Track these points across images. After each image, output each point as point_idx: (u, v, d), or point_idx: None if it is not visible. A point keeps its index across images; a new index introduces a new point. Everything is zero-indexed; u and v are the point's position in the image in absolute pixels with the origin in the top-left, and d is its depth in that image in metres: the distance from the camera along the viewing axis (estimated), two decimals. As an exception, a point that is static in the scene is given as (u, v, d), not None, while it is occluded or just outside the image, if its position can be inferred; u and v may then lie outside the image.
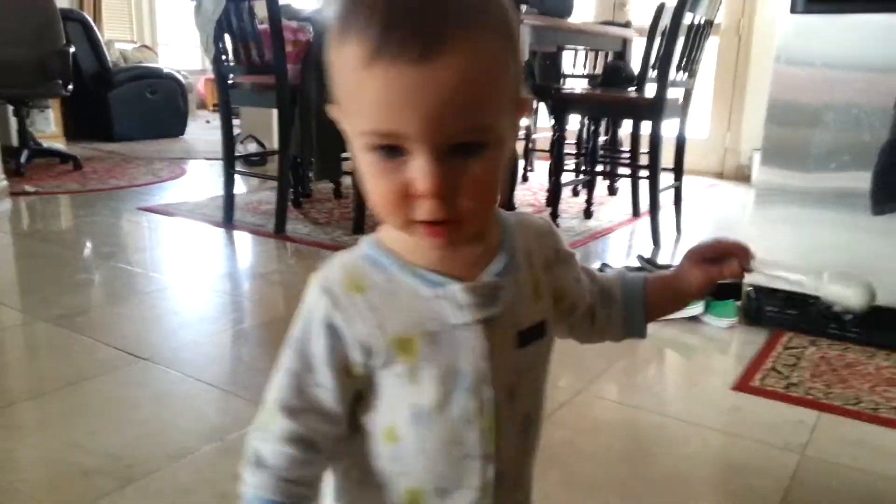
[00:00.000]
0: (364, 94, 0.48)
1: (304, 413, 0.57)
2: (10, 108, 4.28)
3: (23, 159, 3.98)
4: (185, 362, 1.74)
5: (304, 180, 3.52)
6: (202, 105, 7.99)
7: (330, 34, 0.51)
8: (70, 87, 4.32)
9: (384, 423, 0.58)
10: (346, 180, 3.38)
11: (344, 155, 2.97)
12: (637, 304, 0.71)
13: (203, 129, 6.69)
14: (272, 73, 2.80)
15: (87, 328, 1.93)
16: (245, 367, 1.78)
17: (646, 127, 3.00)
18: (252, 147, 4.51)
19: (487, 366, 0.56)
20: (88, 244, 2.89)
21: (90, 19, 5.67)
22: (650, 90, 2.94)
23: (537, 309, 0.61)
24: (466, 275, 0.57)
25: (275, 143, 4.73)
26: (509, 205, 3.03)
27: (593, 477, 1.30)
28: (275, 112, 2.94)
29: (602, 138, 3.68)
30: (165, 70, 6.11)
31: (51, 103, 5.00)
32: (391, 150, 0.49)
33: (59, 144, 4.95)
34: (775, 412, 1.55)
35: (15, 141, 4.21)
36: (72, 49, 4.37)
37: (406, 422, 0.57)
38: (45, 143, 4.62)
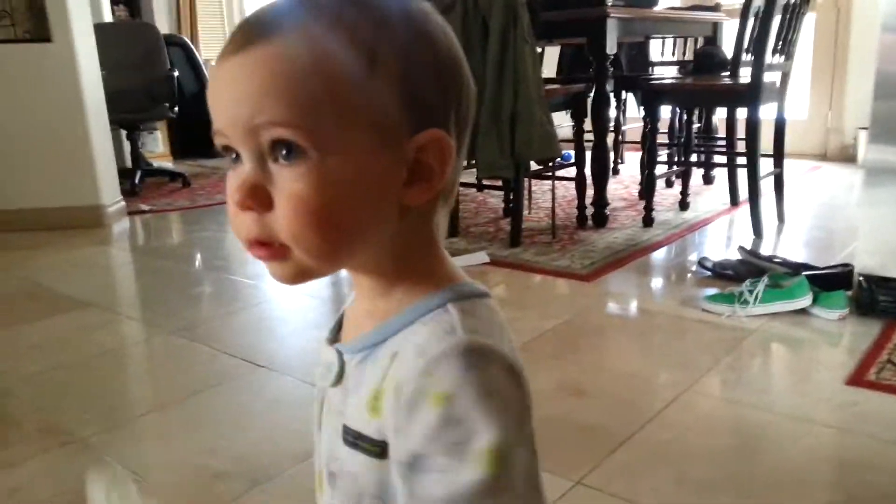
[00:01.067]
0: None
1: None
2: (123, 133, 4.57)
3: (137, 180, 4.26)
4: (298, 368, 1.84)
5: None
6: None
7: None
8: (176, 108, 4.59)
9: None
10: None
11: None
12: None
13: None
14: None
15: (206, 338, 2.06)
16: (353, 371, 1.86)
17: (742, 112, 2.92)
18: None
19: (317, 436, 0.54)
20: (200, 258, 3.07)
21: (189, 42, 5.99)
22: (745, 75, 2.86)
23: (369, 424, 0.47)
24: (349, 334, 0.53)
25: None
26: (601, 200, 3.02)
27: (704, 475, 1.30)
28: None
29: (695, 126, 3.60)
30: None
31: (157, 125, 5.32)
32: (231, 153, 0.46)
33: (168, 163, 5.26)
34: (893, 407, 1.50)
35: (128, 163, 4.50)
36: (175, 73, 4.63)
37: None
38: (155, 163, 4.92)
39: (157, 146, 5.34)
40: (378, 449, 0.46)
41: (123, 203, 3.74)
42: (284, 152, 0.43)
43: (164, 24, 5.70)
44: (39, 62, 3.36)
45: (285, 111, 0.42)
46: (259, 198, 0.44)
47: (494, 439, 0.41)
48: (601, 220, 3.03)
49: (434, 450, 0.41)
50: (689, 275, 2.47)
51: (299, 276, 0.47)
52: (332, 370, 0.51)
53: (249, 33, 0.43)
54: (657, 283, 2.50)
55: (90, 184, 3.49)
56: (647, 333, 1.99)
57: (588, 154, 3.03)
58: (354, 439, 0.48)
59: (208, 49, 7.05)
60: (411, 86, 0.45)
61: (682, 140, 3.48)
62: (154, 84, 4.45)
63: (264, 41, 0.42)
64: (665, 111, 3.61)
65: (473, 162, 3.01)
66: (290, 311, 2.34)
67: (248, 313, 2.32)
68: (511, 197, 3.02)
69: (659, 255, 2.69)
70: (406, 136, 0.45)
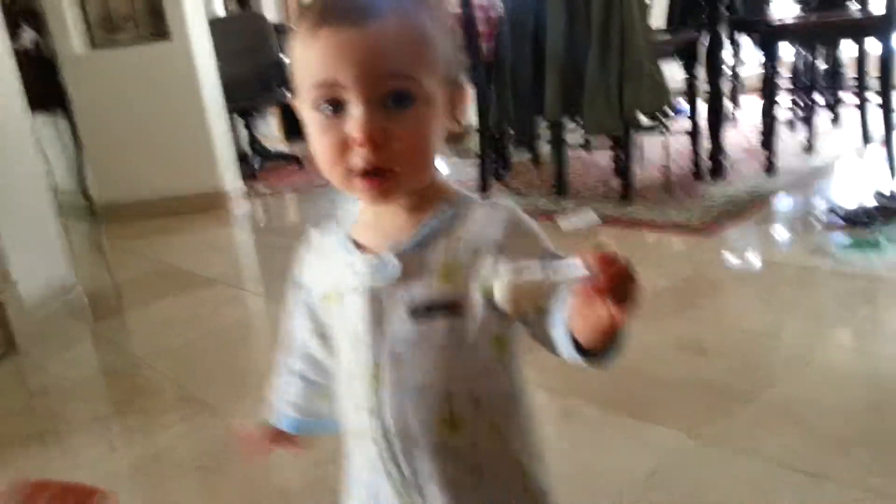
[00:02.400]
0: (311, 58, 0.57)
1: None
2: (240, 120, 4.79)
3: (256, 164, 4.45)
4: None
5: (503, 154, 3.58)
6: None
7: (291, 39, 0.60)
8: (287, 93, 4.75)
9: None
10: (545, 148, 3.38)
11: (541, 123, 2.98)
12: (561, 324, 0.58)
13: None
14: (466, 53, 2.88)
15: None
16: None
17: (872, 48, 2.68)
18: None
19: (365, 329, 0.62)
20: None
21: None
22: (875, 6, 2.62)
23: (444, 290, 0.60)
24: (380, 245, 0.63)
25: (469, 121, 4.87)
26: (718, 151, 2.87)
27: (837, 432, 1.22)
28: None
29: (820, 66, 3.34)
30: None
31: (269, 109, 5.52)
32: (332, 104, 0.57)
33: (281, 146, 5.46)
34: None
35: (246, 148, 4.71)
36: (285, 59, 4.79)
37: (340, 367, 0.67)
38: (270, 147, 5.12)
39: (270, 130, 5.55)
40: (452, 306, 0.60)
41: (244, 186, 3.93)
42: (400, 101, 0.57)
43: (272, 14, 5.89)
44: (160, 59, 3.56)
45: (408, 67, 0.57)
46: (381, 135, 0.56)
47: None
48: (719, 171, 2.88)
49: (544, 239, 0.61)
50: (817, 223, 2.31)
51: (395, 192, 0.60)
52: (391, 269, 0.61)
53: (364, 12, 0.56)
54: (783, 233, 2.35)
55: (212, 170, 3.68)
56: (773, 287, 1.88)
57: (703, 104, 2.88)
58: (427, 309, 0.60)
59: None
60: (452, 51, 0.62)
61: (806, 81, 3.24)
62: (265, 70, 4.62)
63: (380, 19, 0.56)
64: (788, 52, 3.37)
65: (580, 121, 2.94)
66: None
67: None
68: (621, 154, 2.92)
69: (783, 205, 2.53)
70: (454, 84, 0.62)
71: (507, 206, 0.63)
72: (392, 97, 0.56)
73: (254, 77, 4.59)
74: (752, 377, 1.41)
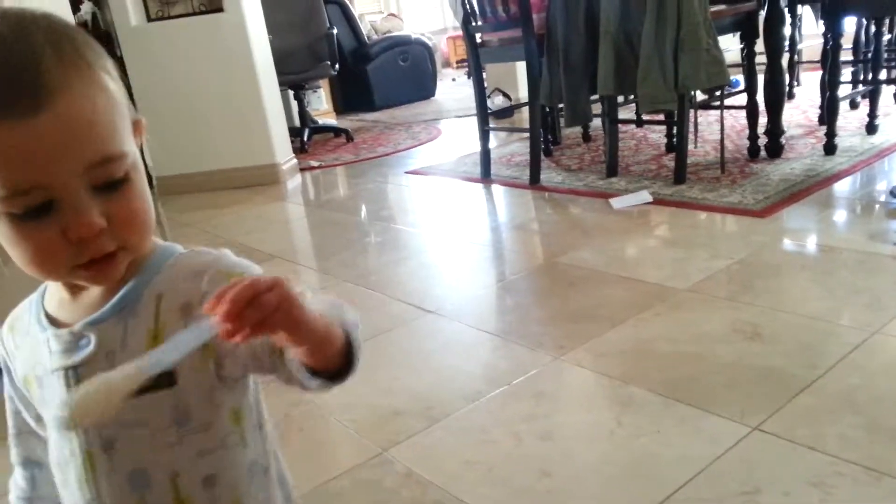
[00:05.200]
0: None
1: None
2: (290, 93, 4.83)
3: (305, 137, 4.51)
4: (466, 314, 1.90)
5: (553, 129, 3.56)
6: (446, 63, 8.33)
7: None
8: (337, 66, 4.77)
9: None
10: (595, 123, 3.35)
11: (593, 98, 2.95)
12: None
13: (450, 88, 6.99)
14: (519, 26, 2.86)
15: (378, 285, 2.17)
16: (518, 315, 1.90)
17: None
18: (499, 100, 4.64)
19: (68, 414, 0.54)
20: (367, 209, 3.21)
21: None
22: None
23: None
24: (79, 318, 0.57)
25: (519, 94, 4.83)
26: (776, 128, 2.81)
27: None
28: (517, 64, 3.00)
29: (885, 38, 3.22)
30: (414, 36, 6.46)
31: (321, 83, 5.56)
32: (36, 208, 0.49)
33: (331, 120, 5.51)
34: None
35: (297, 121, 4.76)
36: (335, 31, 4.80)
37: (50, 457, 0.61)
38: (320, 120, 5.17)
39: (320, 104, 5.60)
40: (168, 377, 0.54)
41: (295, 160, 3.98)
42: (112, 183, 0.51)
43: (319, -17, 5.89)
44: (214, 32, 3.61)
45: (110, 144, 0.51)
46: (105, 219, 0.51)
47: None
48: (776, 150, 2.83)
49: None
50: (878, 206, 2.26)
51: (122, 267, 0.55)
52: (84, 344, 0.56)
53: (32, 97, 0.47)
54: (841, 216, 2.31)
55: (265, 144, 3.74)
56: (831, 272, 1.86)
57: (760, 78, 2.82)
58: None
59: (362, 4, 7.21)
60: (121, 88, 0.55)
61: (870, 55, 3.14)
62: (316, 43, 4.65)
63: (52, 100, 0.48)
64: (849, 24, 3.26)
65: (632, 97, 2.89)
66: (455, 259, 2.41)
67: (415, 261, 2.42)
68: (674, 131, 2.88)
69: (843, 186, 2.47)
70: (133, 123, 0.56)
71: (213, 253, 0.59)
72: (103, 184, 0.51)
73: (304, 50, 4.63)
74: (811, 365, 1.41)
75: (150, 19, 3.69)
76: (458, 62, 8.27)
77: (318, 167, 4.06)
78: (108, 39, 3.84)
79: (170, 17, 3.66)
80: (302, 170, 3.98)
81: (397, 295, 2.07)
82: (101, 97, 0.51)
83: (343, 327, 0.55)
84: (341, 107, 6.01)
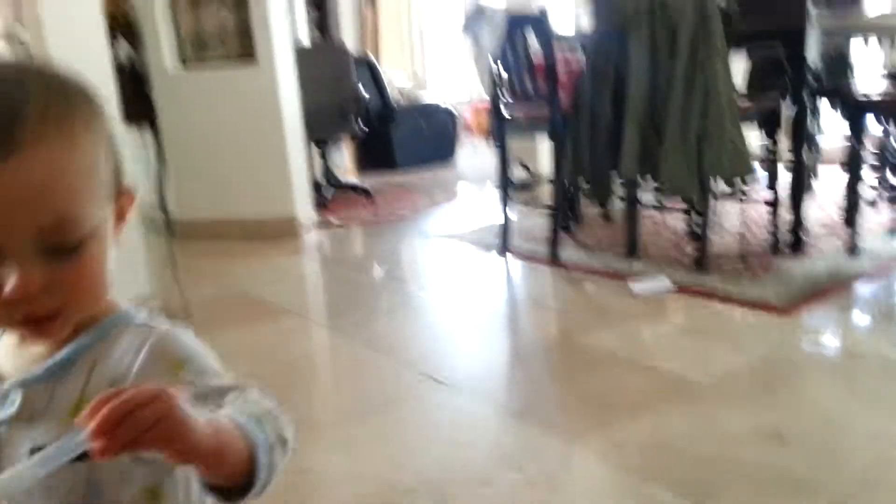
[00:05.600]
0: None
1: None
2: (314, 149, 4.89)
3: (327, 194, 4.54)
4: (478, 387, 1.86)
5: (574, 206, 3.57)
6: (468, 131, 8.46)
7: None
8: (363, 125, 4.84)
9: None
10: (617, 204, 3.36)
11: (617, 180, 2.97)
12: None
13: (470, 155, 7.07)
14: (546, 102, 2.90)
15: (389, 350, 2.14)
16: (532, 393, 1.86)
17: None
18: (519, 172, 4.68)
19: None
20: (383, 270, 3.20)
21: (375, 61, 6.31)
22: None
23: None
24: (20, 369, 0.55)
25: (538, 167, 4.88)
26: (799, 224, 2.81)
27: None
28: (539, 138, 3.03)
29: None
30: (441, 105, 6.60)
31: (343, 139, 5.64)
32: None
33: (352, 177, 5.56)
34: None
35: (318, 177, 4.80)
36: (367, 96, 4.89)
37: None
38: (341, 177, 5.22)
39: (342, 160, 5.66)
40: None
41: (315, 216, 4.00)
42: (63, 249, 0.50)
43: (349, 41, 6.05)
44: (246, 83, 3.67)
45: (69, 208, 0.49)
46: (48, 285, 0.49)
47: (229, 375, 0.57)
48: (798, 246, 2.82)
49: (210, 389, 0.53)
50: (903, 312, 2.24)
51: (65, 328, 0.54)
52: (8, 403, 0.54)
53: (0, 146, 0.46)
54: (864, 320, 2.28)
55: (287, 197, 3.76)
56: (855, 377, 1.82)
57: (783, 172, 2.83)
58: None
59: (391, 64, 7.39)
60: (114, 155, 0.54)
61: (893, 160, 3.16)
62: (344, 101, 4.73)
63: (19, 154, 0.47)
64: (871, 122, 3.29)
65: (655, 181, 2.91)
66: (471, 328, 2.38)
67: (429, 328, 2.39)
68: (696, 219, 2.88)
69: (866, 289, 2.45)
70: (113, 196, 0.55)
71: (162, 330, 0.56)
72: (53, 248, 0.49)
73: (333, 108, 4.70)
74: (834, 475, 1.36)
75: (185, 64, 3.77)
76: (479, 131, 8.41)
77: (339, 225, 4.07)
78: (142, 83, 3.92)
79: (204, 64, 3.73)
80: (321, 226, 4.00)
81: (409, 362, 2.04)
82: (73, 159, 0.50)
83: (249, 446, 0.50)
84: (363, 166, 6.08)
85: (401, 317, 2.55)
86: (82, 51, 2.35)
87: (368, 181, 5.29)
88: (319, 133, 4.57)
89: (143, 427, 0.43)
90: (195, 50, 3.78)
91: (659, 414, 1.65)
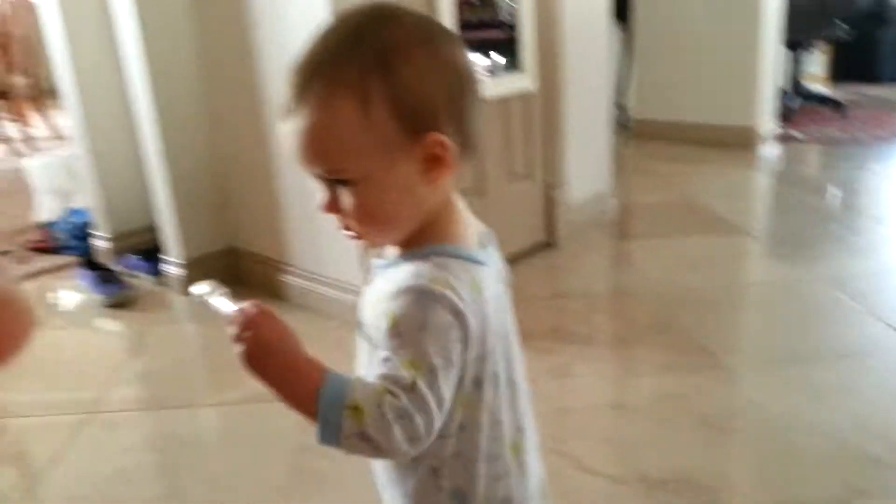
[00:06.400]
0: None
1: None
2: (786, 52, 4.42)
3: (793, 105, 4.10)
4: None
5: None
6: None
7: None
8: (847, 27, 4.20)
9: None
10: None
11: None
12: None
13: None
14: None
15: (857, 296, 1.90)
16: None
17: None
18: None
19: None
20: (852, 201, 2.81)
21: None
22: None
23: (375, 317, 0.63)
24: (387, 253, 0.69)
25: None
26: None
27: None
28: None
29: None
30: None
31: (819, 45, 4.97)
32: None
33: (823, 88, 4.93)
34: None
35: (784, 84, 4.36)
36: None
37: None
38: (810, 87, 4.66)
39: (815, 67, 5.03)
40: (372, 336, 0.63)
41: (776, 128, 3.67)
42: (338, 182, 0.60)
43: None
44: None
45: (322, 164, 0.60)
46: (335, 206, 0.61)
47: (414, 356, 0.57)
48: None
49: (385, 345, 0.59)
50: None
51: (372, 244, 0.67)
52: (372, 280, 0.68)
53: (294, 99, 0.59)
54: None
55: (749, 104, 3.51)
56: None
57: None
58: (359, 323, 0.67)
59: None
60: (403, 107, 0.58)
61: None
62: (830, 0, 4.13)
63: (296, 112, 0.59)
64: None
65: None
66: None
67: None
68: None
69: None
70: (409, 144, 0.59)
71: (423, 285, 0.59)
72: (333, 179, 0.60)
73: (815, 5, 4.15)
74: None
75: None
76: None
77: (801, 140, 3.68)
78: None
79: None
80: (781, 139, 3.66)
81: (880, 313, 1.79)
82: (337, 120, 0.58)
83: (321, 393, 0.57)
84: (839, 75, 5.32)
85: (869, 258, 2.22)
86: None
87: (843, 93, 4.63)
88: (796, 34, 4.09)
89: (244, 332, 0.59)
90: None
91: None
